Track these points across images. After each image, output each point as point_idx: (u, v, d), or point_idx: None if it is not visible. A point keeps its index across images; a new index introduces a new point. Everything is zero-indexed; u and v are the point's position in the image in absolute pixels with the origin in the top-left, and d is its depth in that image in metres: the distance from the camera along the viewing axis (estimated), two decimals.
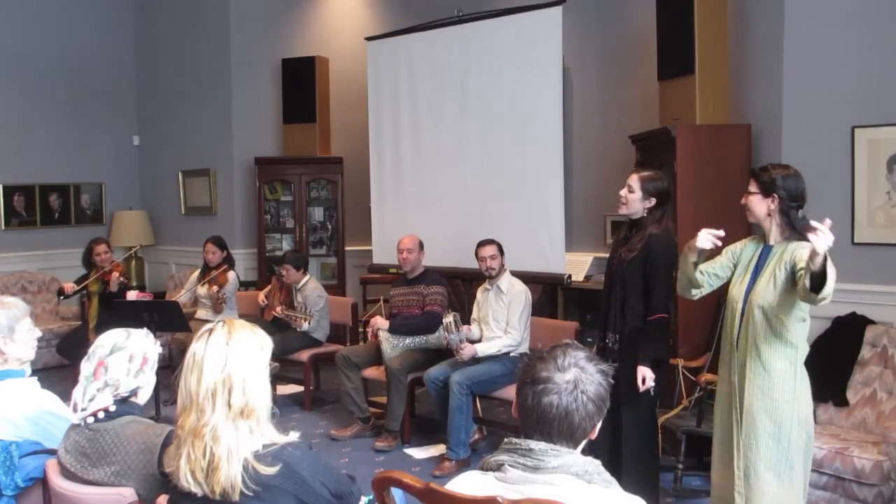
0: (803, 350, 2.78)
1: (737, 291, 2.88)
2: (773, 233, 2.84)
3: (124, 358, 2.05)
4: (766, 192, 2.80)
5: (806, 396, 2.79)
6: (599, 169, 5.94)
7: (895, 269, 4.02)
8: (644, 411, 3.44)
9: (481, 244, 4.75)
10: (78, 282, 5.97)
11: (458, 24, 6.08)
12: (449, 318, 4.51)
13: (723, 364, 2.97)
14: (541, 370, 1.53)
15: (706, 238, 2.78)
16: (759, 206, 2.82)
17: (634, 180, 3.41)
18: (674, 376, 4.24)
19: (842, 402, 3.88)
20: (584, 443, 1.57)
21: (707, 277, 2.96)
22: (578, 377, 1.51)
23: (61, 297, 6.07)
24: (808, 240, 2.67)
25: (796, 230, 2.77)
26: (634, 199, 3.39)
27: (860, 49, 4.14)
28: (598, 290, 3.78)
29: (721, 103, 4.73)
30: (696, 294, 3.01)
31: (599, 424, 1.56)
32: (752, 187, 2.84)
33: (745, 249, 2.95)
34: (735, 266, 2.95)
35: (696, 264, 2.90)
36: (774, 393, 2.73)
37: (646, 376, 3.31)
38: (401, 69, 6.44)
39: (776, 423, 2.73)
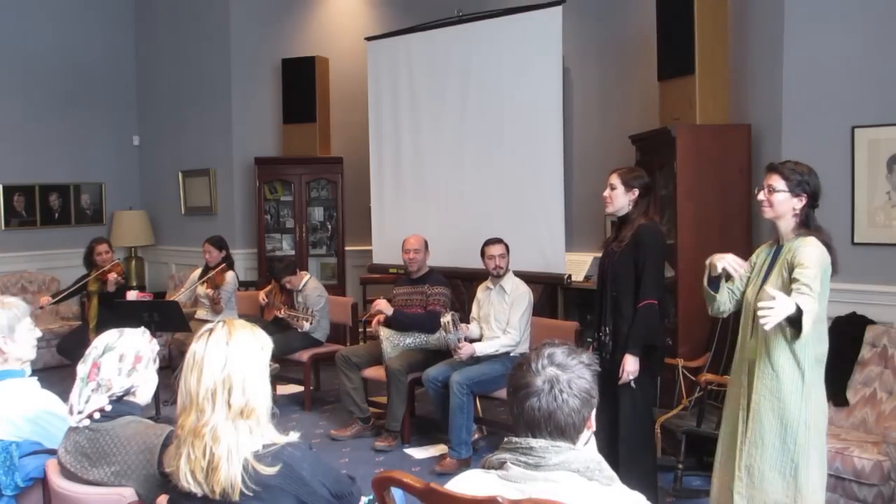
0: (816, 349, 2.73)
1: (750, 293, 2.85)
2: (787, 231, 2.80)
3: (115, 358, 2.05)
4: (796, 190, 2.75)
5: (817, 400, 2.74)
6: (599, 169, 5.90)
7: (895, 269, 4.02)
8: (641, 409, 3.45)
9: (489, 242, 4.73)
10: (54, 295, 6.09)
11: (458, 24, 6.08)
12: (447, 318, 4.50)
13: (735, 365, 2.95)
14: (520, 378, 1.54)
15: (732, 263, 2.74)
16: (786, 204, 2.75)
17: (615, 178, 3.52)
18: (674, 376, 4.24)
19: (842, 402, 3.87)
20: (585, 435, 1.57)
21: (732, 293, 2.93)
22: (554, 376, 1.52)
23: (45, 307, 6.09)
24: (816, 236, 2.69)
25: (809, 227, 2.75)
26: (618, 195, 3.49)
27: (860, 49, 4.14)
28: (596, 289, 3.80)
29: (721, 103, 4.73)
30: (726, 312, 2.97)
31: (593, 414, 1.57)
32: (779, 184, 2.75)
33: (760, 255, 2.92)
34: (750, 273, 2.92)
35: (716, 281, 2.86)
36: (783, 394, 2.70)
37: (626, 366, 3.34)
38: (401, 69, 6.44)
39: (783, 423, 2.70)
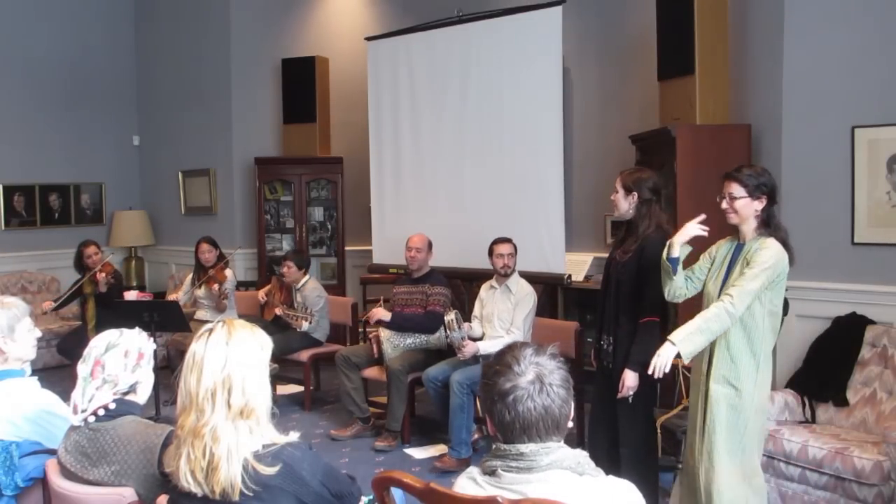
0: (770, 340, 2.92)
1: (712, 286, 3.01)
2: (750, 231, 2.94)
3: (120, 353, 2.06)
4: (756, 193, 2.90)
5: (765, 386, 2.95)
6: (599, 169, 5.94)
7: (895, 269, 4.02)
8: (640, 411, 3.44)
9: (498, 241, 4.74)
10: (56, 300, 5.92)
11: (458, 24, 6.08)
12: (450, 316, 4.51)
13: (697, 355, 3.06)
14: (503, 383, 1.54)
15: (695, 227, 2.95)
16: (748, 208, 2.91)
17: (618, 180, 3.49)
18: (674, 376, 4.24)
19: (842, 402, 3.88)
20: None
21: (689, 281, 3.09)
22: (539, 372, 1.54)
23: (47, 312, 5.90)
24: (775, 236, 2.88)
25: (770, 226, 2.91)
26: (619, 198, 3.45)
27: (860, 49, 4.14)
28: (598, 290, 3.79)
29: (721, 103, 4.73)
30: (681, 297, 3.12)
31: (573, 403, 1.60)
32: (739, 191, 2.90)
33: (721, 249, 3.06)
34: (711, 265, 3.07)
35: (675, 262, 3.01)
36: (739, 383, 2.89)
37: (626, 382, 3.30)
38: (401, 69, 6.44)
39: (736, 411, 2.90)
